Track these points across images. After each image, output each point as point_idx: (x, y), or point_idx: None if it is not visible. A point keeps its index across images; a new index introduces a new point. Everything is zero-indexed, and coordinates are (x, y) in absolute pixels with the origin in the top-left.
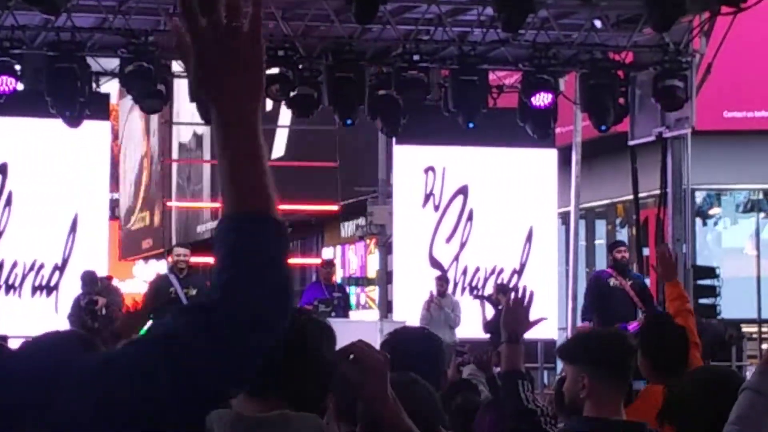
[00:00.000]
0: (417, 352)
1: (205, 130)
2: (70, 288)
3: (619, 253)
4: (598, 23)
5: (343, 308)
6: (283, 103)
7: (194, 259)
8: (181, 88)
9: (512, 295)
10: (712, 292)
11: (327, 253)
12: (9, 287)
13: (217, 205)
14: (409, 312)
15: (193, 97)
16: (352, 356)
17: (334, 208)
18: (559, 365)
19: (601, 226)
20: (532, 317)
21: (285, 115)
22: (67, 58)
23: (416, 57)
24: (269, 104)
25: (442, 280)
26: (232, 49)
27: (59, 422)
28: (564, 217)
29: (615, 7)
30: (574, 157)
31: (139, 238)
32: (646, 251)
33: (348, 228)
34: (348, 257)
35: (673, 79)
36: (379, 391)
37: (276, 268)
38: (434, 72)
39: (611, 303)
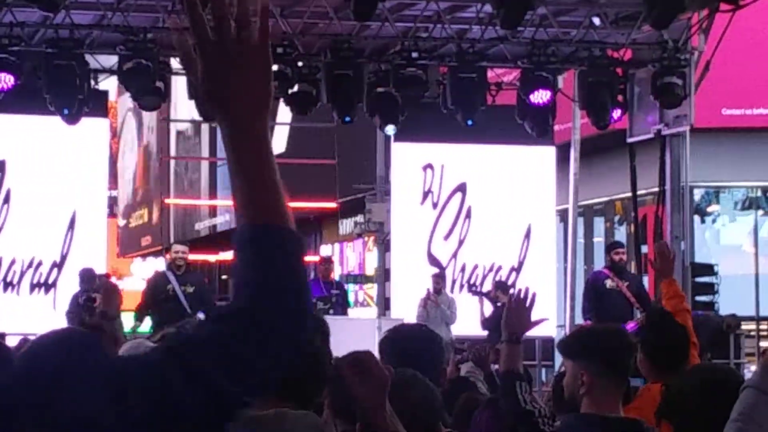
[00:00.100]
0: (416, 349)
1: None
2: (69, 285)
3: (617, 255)
4: (596, 20)
5: (341, 305)
6: (281, 100)
7: (192, 257)
8: (178, 84)
9: (514, 295)
10: (711, 289)
11: (325, 250)
12: (7, 284)
13: (214, 202)
14: (407, 309)
15: (192, 94)
16: (356, 367)
17: (333, 205)
18: (557, 363)
19: (599, 223)
20: (533, 317)
21: (283, 113)
22: (65, 55)
23: (415, 54)
24: None
25: (439, 278)
26: (242, 63)
27: (60, 422)
28: (562, 215)
29: (614, 5)
30: (573, 155)
31: (138, 235)
32: (644, 248)
33: (346, 225)
34: (346, 254)
35: (672, 76)
36: (377, 402)
37: (296, 279)
38: (433, 69)
39: (607, 304)
